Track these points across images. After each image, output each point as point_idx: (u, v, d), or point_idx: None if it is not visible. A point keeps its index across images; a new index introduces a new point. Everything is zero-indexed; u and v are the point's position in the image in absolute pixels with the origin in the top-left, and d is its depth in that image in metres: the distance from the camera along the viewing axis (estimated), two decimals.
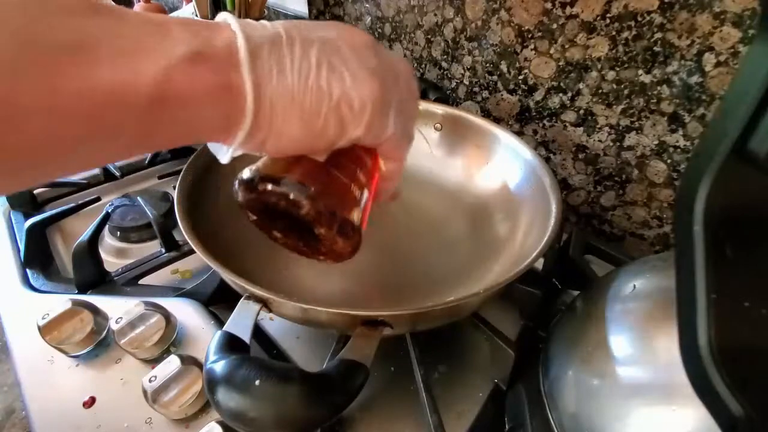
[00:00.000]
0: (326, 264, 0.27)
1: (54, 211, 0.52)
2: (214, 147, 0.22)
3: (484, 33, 0.54)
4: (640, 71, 0.42)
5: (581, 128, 0.49)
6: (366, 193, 0.25)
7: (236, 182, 0.22)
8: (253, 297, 0.30)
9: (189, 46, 0.17)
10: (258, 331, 0.39)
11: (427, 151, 0.53)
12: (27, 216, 0.51)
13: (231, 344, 0.27)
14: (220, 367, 0.25)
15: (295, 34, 0.20)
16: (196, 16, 0.77)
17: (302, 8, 0.81)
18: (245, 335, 0.28)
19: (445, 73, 0.62)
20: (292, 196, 0.21)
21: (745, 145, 0.14)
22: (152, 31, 0.16)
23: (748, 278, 0.16)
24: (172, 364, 0.33)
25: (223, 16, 0.19)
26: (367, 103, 0.20)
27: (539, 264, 0.42)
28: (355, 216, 0.24)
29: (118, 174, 0.59)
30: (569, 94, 0.49)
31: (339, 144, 0.21)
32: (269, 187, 0.21)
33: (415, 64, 0.65)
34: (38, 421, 0.33)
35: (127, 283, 0.44)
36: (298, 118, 0.19)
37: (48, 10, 0.14)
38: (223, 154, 0.21)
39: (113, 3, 0.22)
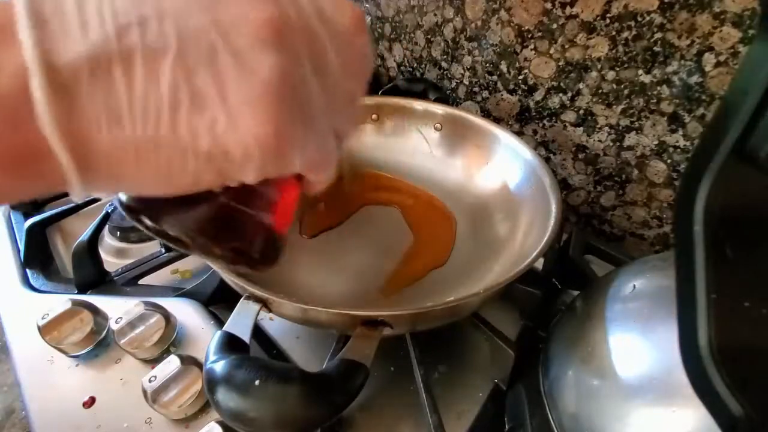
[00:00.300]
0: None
1: (54, 211, 0.52)
2: None
3: (484, 33, 0.54)
4: (640, 71, 0.42)
5: (581, 128, 0.49)
6: (275, 210, 0.20)
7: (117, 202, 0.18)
8: (252, 297, 0.30)
9: None
10: (258, 331, 0.39)
11: (427, 151, 0.53)
12: (27, 216, 0.51)
13: (231, 344, 0.27)
14: (220, 367, 0.25)
15: (135, 41, 0.12)
16: None
17: None
18: (245, 335, 0.28)
19: (445, 73, 0.62)
20: (172, 234, 0.18)
21: (745, 145, 0.14)
22: None
23: (748, 278, 0.16)
24: (171, 364, 0.33)
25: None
26: (253, 153, 0.14)
27: (539, 264, 0.42)
28: (258, 240, 0.20)
29: None
30: (569, 94, 0.49)
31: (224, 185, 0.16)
32: (147, 222, 0.17)
33: (415, 64, 0.65)
34: (38, 421, 0.33)
35: (127, 283, 0.44)
36: (152, 176, 0.14)
37: None
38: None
39: None
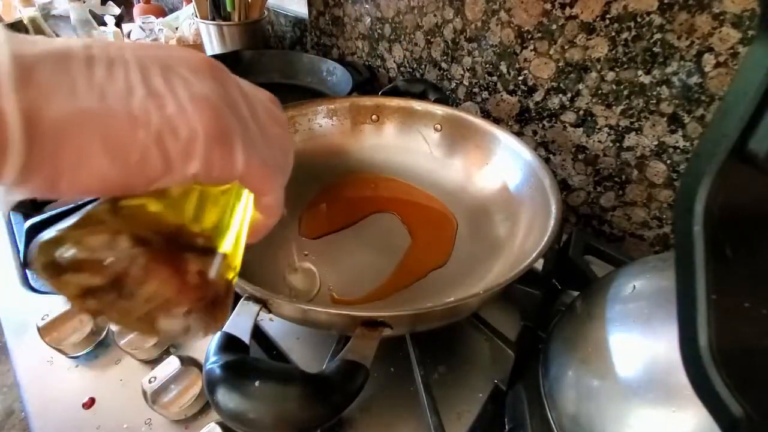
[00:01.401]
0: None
1: (54, 212, 0.52)
2: None
3: (483, 34, 0.54)
4: (640, 72, 0.42)
5: (581, 129, 0.49)
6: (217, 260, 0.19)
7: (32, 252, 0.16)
8: (252, 298, 0.30)
9: None
10: (258, 332, 0.39)
11: (427, 152, 0.53)
12: (27, 217, 0.51)
13: (231, 345, 0.27)
14: (219, 367, 0.25)
15: (96, 53, 0.15)
16: (197, 16, 0.77)
17: (302, 9, 0.81)
18: (245, 336, 0.28)
19: (444, 73, 0.62)
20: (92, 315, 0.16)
21: (745, 145, 0.14)
22: None
23: (748, 278, 0.16)
24: (171, 364, 0.33)
25: None
26: (198, 133, 0.16)
27: (539, 264, 0.42)
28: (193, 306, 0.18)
29: None
30: (569, 95, 0.49)
31: (168, 182, 0.17)
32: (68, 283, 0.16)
33: (415, 65, 0.65)
34: (38, 422, 0.33)
35: None
36: (100, 151, 0.15)
37: None
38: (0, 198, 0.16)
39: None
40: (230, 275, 0.19)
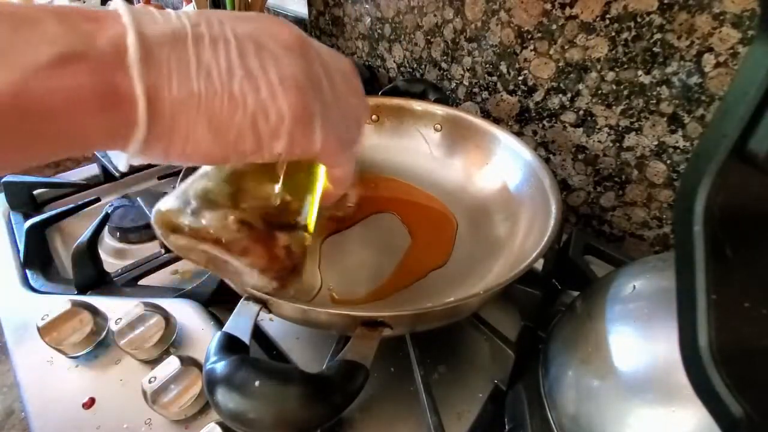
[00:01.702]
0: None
1: (54, 212, 0.52)
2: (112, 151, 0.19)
3: (483, 34, 0.54)
4: (640, 72, 0.42)
5: (581, 129, 0.49)
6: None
7: (153, 215, 0.21)
8: (252, 298, 0.30)
9: (59, 45, 0.14)
10: (258, 332, 0.39)
11: (427, 152, 0.53)
12: (27, 217, 0.51)
13: (231, 345, 0.27)
14: (219, 367, 0.25)
15: (203, 30, 0.17)
16: None
17: (302, 9, 0.81)
18: (245, 336, 0.28)
19: (444, 73, 0.62)
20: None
21: (745, 145, 0.14)
22: (15, 27, 0.14)
23: (748, 278, 0.16)
24: (171, 365, 0.33)
25: (115, 4, 0.17)
26: (285, 117, 0.18)
27: (539, 264, 0.42)
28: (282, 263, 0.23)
29: (117, 175, 0.59)
30: (569, 95, 0.49)
31: (258, 158, 0.19)
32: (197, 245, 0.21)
33: (415, 65, 0.65)
34: (37, 422, 0.33)
35: (127, 283, 0.44)
36: (206, 129, 0.17)
37: None
38: (121, 160, 0.19)
39: None
40: (307, 242, 0.24)
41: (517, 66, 0.52)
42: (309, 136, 0.19)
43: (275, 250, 0.21)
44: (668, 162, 0.44)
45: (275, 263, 0.22)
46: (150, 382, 0.32)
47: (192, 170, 0.23)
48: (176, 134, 0.17)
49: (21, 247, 0.48)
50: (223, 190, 0.21)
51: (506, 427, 0.33)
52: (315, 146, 0.20)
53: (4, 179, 0.54)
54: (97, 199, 0.56)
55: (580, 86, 0.47)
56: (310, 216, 0.24)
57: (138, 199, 0.52)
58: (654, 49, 0.41)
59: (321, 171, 0.25)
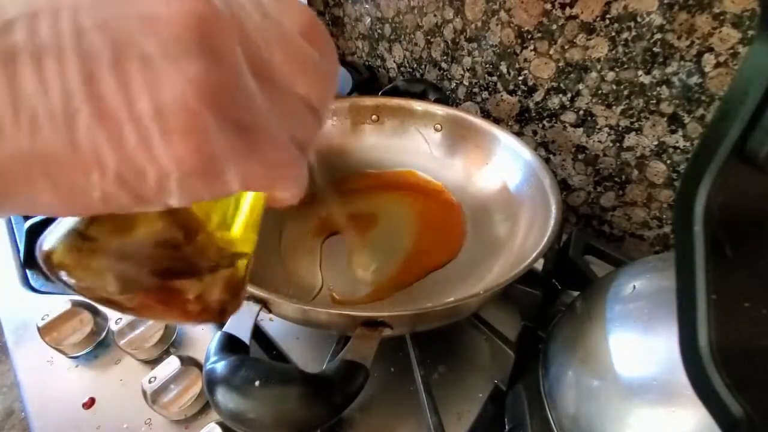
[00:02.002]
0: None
1: None
2: None
3: (483, 34, 0.54)
4: (640, 72, 0.42)
5: (581, 129, 0.49)
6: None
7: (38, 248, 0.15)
8: (252, 298, 0.30)
9: None
10: (258, 332, 0.39)
11: (427, 152, 0.53)
12: (27, 217, 0.51)
13: (231, 345, 0.27)
14: (220, 367, 0.25)
15: (21, 37, 0.10)
16: None
17: None
18: (245, 336, 0.28)
19: (444, 73, 0.62)
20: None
21: (745, 145, 0.14)
22: None
23: (748, 278, 0.16)
24: (171, 365, 0.33)
25: None
26: (172, 172, 0.11)
27: (539, 264, 0.42)
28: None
29: None
30: (569, 95, 0.49)
31: (144, 210, 0.13)
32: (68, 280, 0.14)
33: (415, 65, 0.65)
34: (37, 422, 0.33)
35: None
36: (50, 195, 0.11)
37: None
38: None
39: None
40: (241, 272, 0.18)
41: (517, 66, 0.52)
42: (216, 185, 0.13)
43: (184, 306, 0.16)
44: (668, 162, 0.44)
45: (188, 317, 0.16)
46: (150, 382, 0.32)
47: None
48: (11, 200, 0.11)
49: (21, 247, 0.48)
50: (100, 233, 0.15)
51: (506, 427, 0.33)
52: (230, 188, 0.13)
53: None
54: None
55: (580, 86, 0.47)
56: (243, 242, 0.18)
57: None
58: (654, 49, 0.41)
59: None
